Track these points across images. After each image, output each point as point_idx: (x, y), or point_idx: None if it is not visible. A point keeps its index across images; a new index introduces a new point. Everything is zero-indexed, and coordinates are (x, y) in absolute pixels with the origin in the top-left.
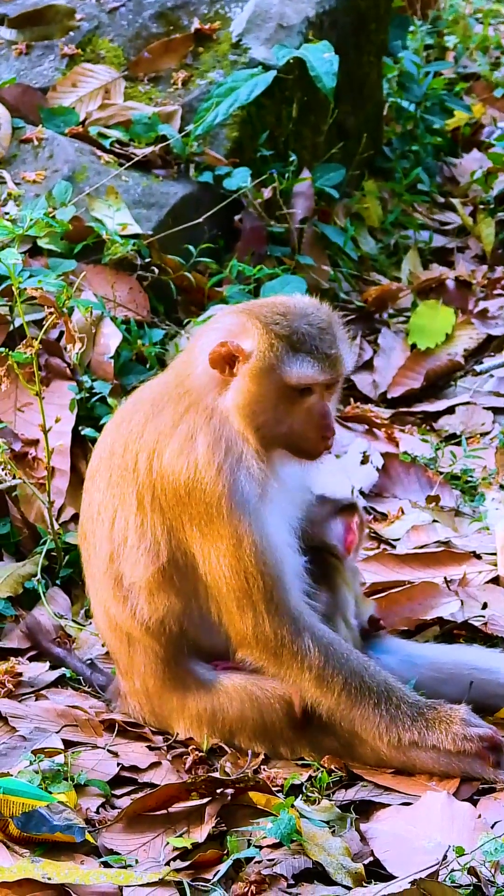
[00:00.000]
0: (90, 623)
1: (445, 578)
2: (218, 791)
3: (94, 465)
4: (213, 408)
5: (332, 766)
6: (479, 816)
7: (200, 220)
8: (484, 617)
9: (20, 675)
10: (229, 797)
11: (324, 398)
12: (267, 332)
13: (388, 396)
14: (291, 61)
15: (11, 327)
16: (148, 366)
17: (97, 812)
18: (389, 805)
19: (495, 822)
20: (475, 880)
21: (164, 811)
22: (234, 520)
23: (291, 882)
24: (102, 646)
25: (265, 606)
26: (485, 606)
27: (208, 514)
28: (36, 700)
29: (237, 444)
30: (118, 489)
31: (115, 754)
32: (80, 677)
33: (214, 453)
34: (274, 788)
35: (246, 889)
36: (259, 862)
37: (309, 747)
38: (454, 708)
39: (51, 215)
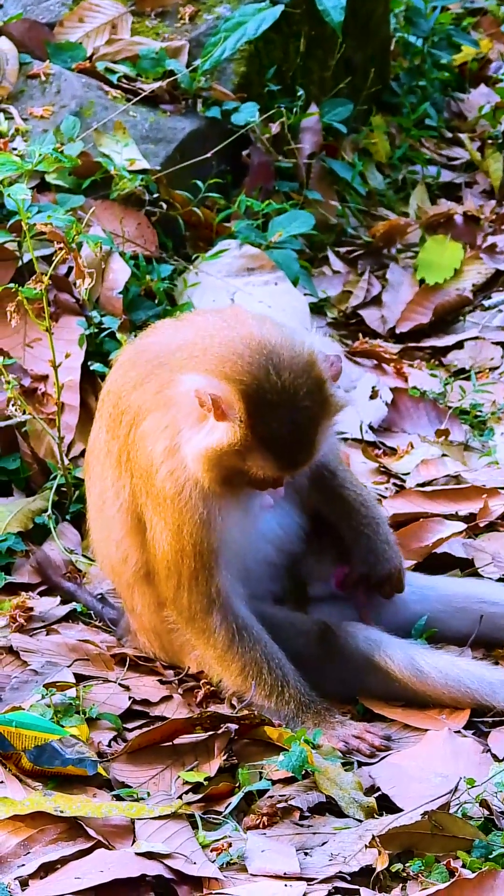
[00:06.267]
0: None
1: (457, 513)
2: (222, 725)
3: (102, 395)
4: (178, 420)
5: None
6: (487, 751)
7: (208, 155)
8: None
9: (31, 609)
10: (233, 732)
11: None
12: (244, 419)
13: (397, 331)
14: None
15: (20, 263)
16: (156, 301)
17: (109, 745)
18: (399, 740)
19: None
20: (487, 813)
21: (170, 743)
22: (180, 509)
23: (306, 814)
24: None
25: (188, 582)
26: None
27: (162, 497)
28: (47, 634)
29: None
30: (109, 435)
31: (127, 688)
32: (91, 612)
33: (169, 458)
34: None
35: (258, 821)
36: (271, 797)
37: (316, 678)
38: (338, 717)
39: (59, 150)
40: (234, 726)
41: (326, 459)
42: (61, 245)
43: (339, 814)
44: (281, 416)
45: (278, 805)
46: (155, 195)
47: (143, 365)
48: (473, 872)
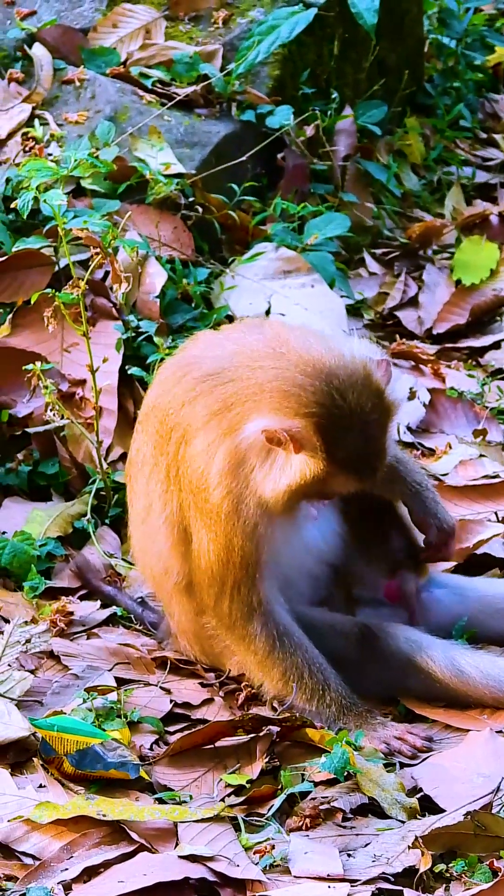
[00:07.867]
0: None
1: (496, 514)
2: (264, 728)
3: (144, 409)
4: (241, 440)
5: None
6: None
7: (243, 158)
8: None
9: (71, 614)
10: (275, 735)
11: None
12: (322, 448)
13: (434, 332)
14: None
15: (57, 268)
16: (193, 304)
17: (151, 749)
18: (441, 741)
19: None
20: None
21: (212, 746)
22: (232, 525)
23: (349, 815)
24: None
25: (230, 591)
26: None
27: (216, 514)
28: (88, 639)
29: (251, 479)
30: (156, 450)
31: (168, 691)
32: (131, 615)
33: (227, 477)
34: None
35: (301, 823)
36: (314, 799)
37: (357, 679)
38: (379, 719)
39: (94, 156)
40: (275, 728)
41: None
42: (98, 250)
43: (382, 815)
44: (355, 436)
45: (321, 807)
46: (190, 199)
47: (188, 382)
48: None
